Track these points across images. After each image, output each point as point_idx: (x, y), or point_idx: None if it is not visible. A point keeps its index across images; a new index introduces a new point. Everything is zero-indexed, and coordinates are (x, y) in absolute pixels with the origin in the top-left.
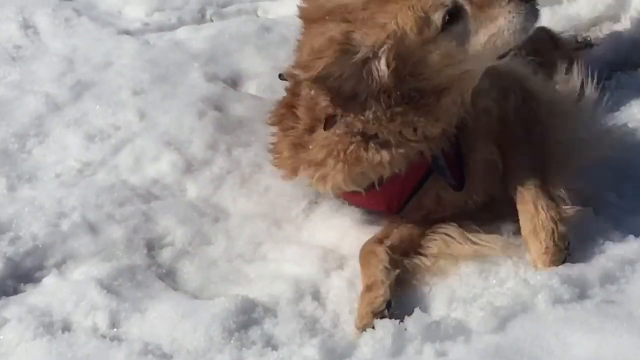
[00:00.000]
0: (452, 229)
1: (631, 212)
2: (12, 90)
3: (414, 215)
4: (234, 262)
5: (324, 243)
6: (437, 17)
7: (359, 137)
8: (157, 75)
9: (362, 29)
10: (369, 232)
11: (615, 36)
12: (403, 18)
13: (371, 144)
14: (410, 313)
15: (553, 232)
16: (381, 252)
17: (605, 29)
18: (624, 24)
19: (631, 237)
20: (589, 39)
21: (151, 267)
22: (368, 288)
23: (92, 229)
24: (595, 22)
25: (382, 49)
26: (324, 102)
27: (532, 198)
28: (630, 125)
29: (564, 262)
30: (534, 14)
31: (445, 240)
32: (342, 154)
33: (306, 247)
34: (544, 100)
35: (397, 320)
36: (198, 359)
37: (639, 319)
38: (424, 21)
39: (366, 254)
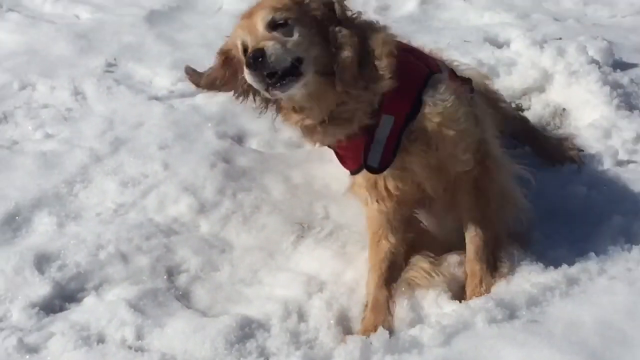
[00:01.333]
0: (422, 262)
1: (551, 247)
2: (63, 145)
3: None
4: (236, 285)
5: (308, 270)
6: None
7: None
8: (179, 134)
9: None
10: (346, 262)
11: (541, 103)
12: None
13: None
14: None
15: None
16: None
17: (534, 98)
18: (548, 94)
19: (551, 267)
20: (520, 105)
21: (170, 289)
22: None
23: (124, 258)
24: (525, 92)
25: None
26: None
27: (481, 273)
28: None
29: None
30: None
31: (416, 274)
32: None
33: (294, 274)
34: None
35: (365, 337)
36: None
37: (557, 336)
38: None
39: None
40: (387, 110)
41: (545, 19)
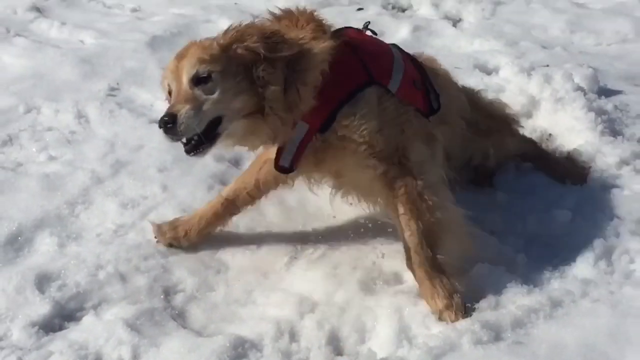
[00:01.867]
0: None
1: (536, 270)
2: (66, 167)
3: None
4: (231, 305)
5: (300, 291)
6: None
7: None
8: (178, 157)
9: None
10: (337, 283)
11: (528, 128)
12: None
13: None
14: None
15: (450, 297)
16: None
17: (521, 123)
18: (535, 119)
19: (536, 290)
20: None
21: (167, 309)
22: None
23: (122, 278)
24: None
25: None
26: None
27: (428, 277)
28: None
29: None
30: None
31: None
32: None
33: (286, 294)
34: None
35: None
36: None
37: (541, 357)
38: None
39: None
40: (304, 119)
41: (533, 47)
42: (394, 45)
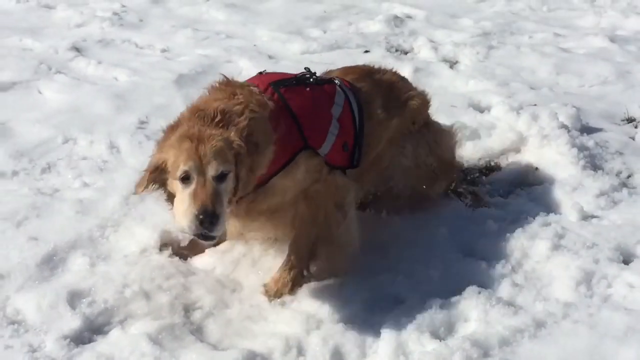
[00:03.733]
0: None
1: (520, 294)
2: (98, 193)
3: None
4: (244, 322)
5: (307, 309)
6: (179, 171)
7: None
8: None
9: None
10: (341, 302)
11: (517, 162)
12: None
13: None
14: None
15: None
16: None
17: (510, 157)
18: (522, 154)
19: (521, 312)
20: (499, 163)
21: (186, 324)
22: None
23: (146, 296)
24: (503, 152)
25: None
26: None
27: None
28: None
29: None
30: (195, 228)
31: None
32: None
33: (294, 312)
34: None
35: None
36: None
37: None
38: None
39: None
40: None
41: (522, 87)
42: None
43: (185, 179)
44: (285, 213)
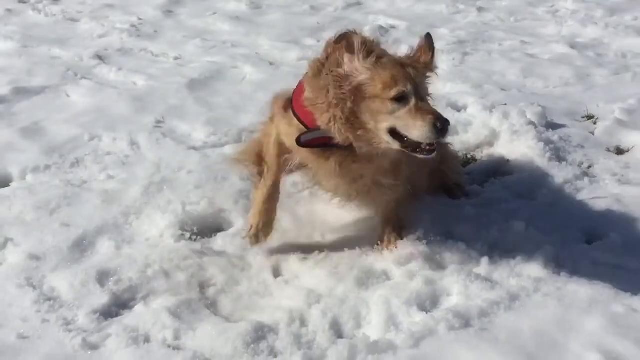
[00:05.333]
0: None
1: (497, 271)
2: (121, 185)
3: None
4: (252, 297)
5: (309, 285)
6: (394, 91)
7: None
8: (211, 177)
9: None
10: (338, 279)
11: (491, 155)
12: (383, 78)
13: None
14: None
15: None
16: None
17: (485, 151)
18: (496, 148)
19: (497, 287)
20: (474, 156)
21: (201, 300)
22: None
23: (166, 274)
24: (478, 146)
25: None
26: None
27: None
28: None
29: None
30: (435, 135)
31: None
32: None
33: (297, 288)
34: None
35: (351, 340)
36: None
37: (502, 341)
38: (389, 86)
39: None
40: None
41: (494, 89)
42: None
43: (402, 98)
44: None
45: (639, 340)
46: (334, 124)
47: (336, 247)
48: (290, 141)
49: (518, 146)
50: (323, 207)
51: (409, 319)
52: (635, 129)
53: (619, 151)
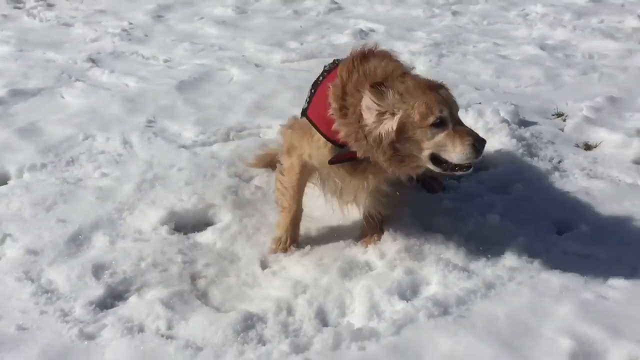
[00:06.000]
0: None
1: (473, 261)
2: (115, 182)
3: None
4: (242, 288)
5: (295, 276)
6: (432, 118)
7: None
8: (200, 173)
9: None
10: (323, 270)
11: None
12: (418, 108)
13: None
14: (344, 323)
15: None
16: None
17: None
18: None
19: (474, 276)
20: None
21: (193, 291)
22: None
23: (159, 267)
24: None
25: (399, 115)
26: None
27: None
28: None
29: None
30: (475, 155)
31: None
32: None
33: (284, 279)
34: None
35: (335, 328)
36: (218, 350)
37: (478, 327)
38: (426, 114)
39: None
40: None
41: (468, 89)
42: None
43: (441, 124)
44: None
45: (607, 325)
46: (362, 141)
47: (321, 240)
48: (322, 162)
49: (492, 142)
50: (308, 202)
51: (390, 307)
52: (603, 125)
53: (587, 147)
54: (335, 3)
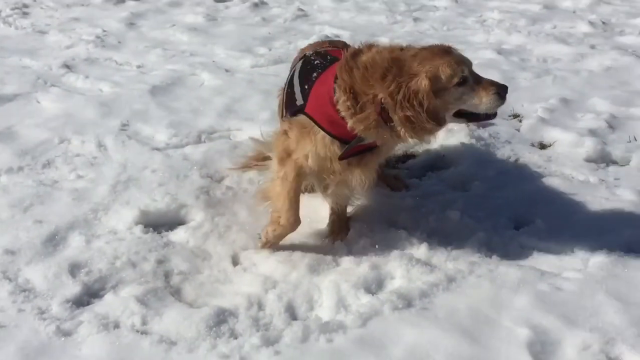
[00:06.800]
0: None
1: (435, 255)
2: (90, 184)
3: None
4: (214, 284)
5: (265, 272)
6: (456, 78)
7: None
8: (173, 175)
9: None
10: (291, 266)
11: (428, 151)
12: (443, 70)
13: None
14: (312, 317)
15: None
16: None
17: (424, 147)
18: (432, 145)
19: (436, 269)
20: (413, 152)
21: (167, 288)
22: None
23: (133, 265)
24: (417, 143)
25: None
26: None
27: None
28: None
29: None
30: (501, 102)
31: None
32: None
33: (254, 275)
34: None
35: (304, 321)
36: (191, 345)
37: (441, 319)
38: (451, 76)
39: None
40: None
41: None
42: None
43: (464, 82)
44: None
45: (562, 315)
46: (382, 128)
47: (290, 237)
48: (327, 159)
49: (453, 143)
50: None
51: (356, 301)
52: (556, 125)
53: (542, 146)
54: (302, 10)
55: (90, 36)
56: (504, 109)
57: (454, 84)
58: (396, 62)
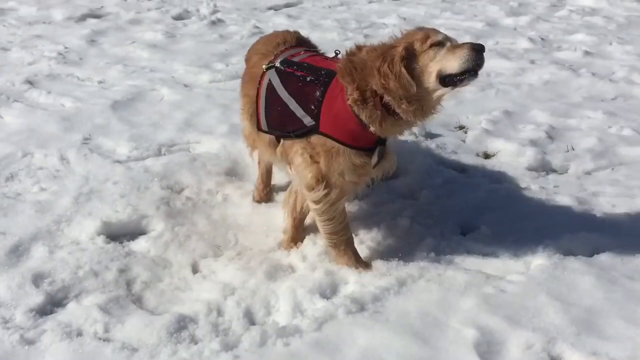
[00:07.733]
0: None
1: (386, 260)
2: (53, 196)
3: None
4: (174, 291)
5: (224, 279)
6: (430, 40)
7: None
8: (134, 186)
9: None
10: (250, 273)
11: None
12: (417, 36)
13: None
14: (270, 322)
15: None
16: None
17: None
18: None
19: (388, 274)
20: None
21: (128, 296)
22: None
23: (96, 274)
24: None
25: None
26: None
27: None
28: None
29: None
30: (477, 55)
31: None
32: None
33: (213, 282)
34: None
35: (262, 326)
36: (153, 351)
37: (392, 322)
38: (425, 39)
39: None
40: None
41: None
42: None
43: (440, 43)
44: None
45: (507, 316)
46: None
47: (247, 245)
48: (362, 171)
49: (402, 154)
50: (235, 210)
51: (312, 305)
52: (499, 136)
53: (487, 155)
54: (258, 27)
55: (52, 53)
56: (449, 120)
57: (428, 46)
58: (382, 52)
